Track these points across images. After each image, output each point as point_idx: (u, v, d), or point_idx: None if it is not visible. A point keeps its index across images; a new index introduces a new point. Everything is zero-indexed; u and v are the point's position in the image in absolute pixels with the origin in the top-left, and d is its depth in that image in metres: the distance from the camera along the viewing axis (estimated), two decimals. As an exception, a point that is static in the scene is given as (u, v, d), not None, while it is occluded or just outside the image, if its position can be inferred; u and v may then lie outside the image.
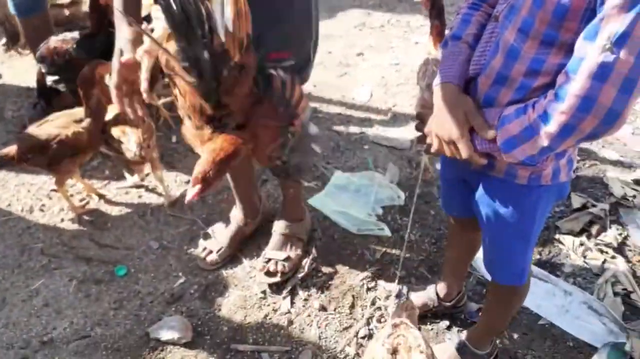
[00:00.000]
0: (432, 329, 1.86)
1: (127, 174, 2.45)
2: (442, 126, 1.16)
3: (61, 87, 2.52)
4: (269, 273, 1.99)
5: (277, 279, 1.98)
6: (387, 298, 1.93)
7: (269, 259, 2.01)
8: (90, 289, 2.00)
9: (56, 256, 2.12)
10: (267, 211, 2.26)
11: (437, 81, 1.21)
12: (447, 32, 1.31)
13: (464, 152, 1.15)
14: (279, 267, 1.99)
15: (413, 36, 3.53)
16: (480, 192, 1.32)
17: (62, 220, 2.26)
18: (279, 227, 2.09)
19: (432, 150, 1.24)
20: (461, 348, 1.69)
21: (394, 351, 1.32)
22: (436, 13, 2.34)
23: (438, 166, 2.50)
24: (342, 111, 2.89)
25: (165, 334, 1.80)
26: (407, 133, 2.68)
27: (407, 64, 3.23)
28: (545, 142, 1.02)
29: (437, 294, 1.84)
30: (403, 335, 1.36)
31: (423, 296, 1.87)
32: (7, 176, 2.44)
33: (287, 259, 2.01)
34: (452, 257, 1.79)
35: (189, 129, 1.21)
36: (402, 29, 3.61)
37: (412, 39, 3.49)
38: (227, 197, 2.35)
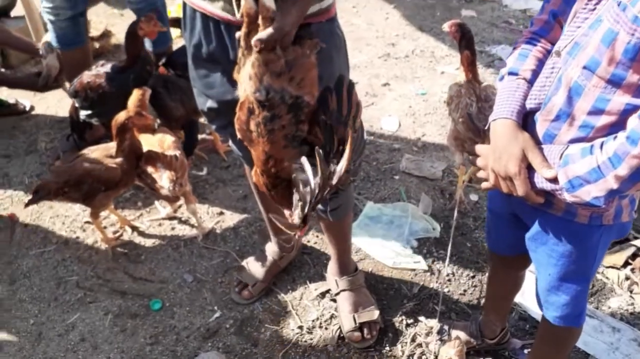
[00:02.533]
0: (475, 367, 1.82)
1: (159, 207, 2.46)
2: (499, 161, 1.15)
3: (94, 121, 2.56)
4: (364, 339, 1.88)
5: (372, 341, 1.88)
6: (427, 334, 1.88)
7: (362, 325, 1.89)
8: (125, 323, 1.99)
9: (91, 289, 2.11)
10: (300, 245, 2.24)
11: (493, 116, 1.20)
12: (504, 68, 1.29)
13: (521, 189, 1.13)
14: (374, 331, 1.89)
15: (439, 66, 3.54)
16: (535, 230, 1.30)
17: (97, 252, 2.26)
18: (347, 283, 1.96)
19: (488, 185, 1.22)
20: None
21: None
22: (466, 43, 2.33)
23: (472, 197, 2.48)
24: (371, 141, 2.89)
25: (203, 372, 1.78)
26: (438, 163, 2.67)
27: (434, 94, 3.23)
28: (614, 185, 1.00)
29: (479, 331, 1.80)
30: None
31: (465, 333, 1.82)
32: (42, 208, 2.46)
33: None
34: (495, 294, 1.75)
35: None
36: (427, 58, 3.63)
37: (437, 69, 3.50)
38: (259, 228, 2.34)
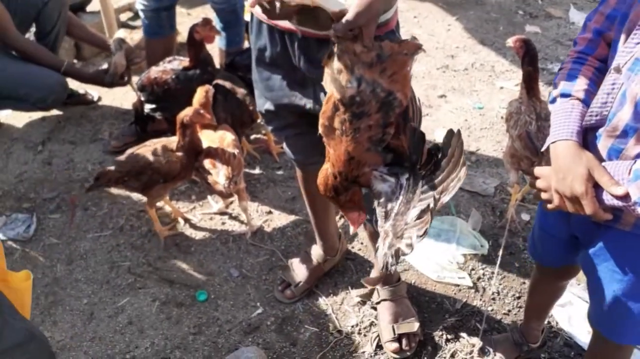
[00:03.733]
0: (514, 389, 1.78)
1: (212, 201, 2.54)
2: (563, 182, 1.13)
3: (157, 115, 2.66)
4: (402, 350, 1.88)
5: (410, 353, 1.88)
6: (469, 352, 1.86)
7: (401, 336, 1.88)
8: (171, 311, 2.06)
9: (142, 275, 2.20)
10: (344, 250, 2.26)
11: (552, 139, 1.19)
12: (553, 90, 1.29)
13: (589, 209, 1.11)
14: (413, 343, 1.89)
15: (498, 81, 3.48)
16: (599, 247, 1.27)
17: (149, 241, 2.35)
18: (388, 293, 1.96)
19: (552, 206, 1.21)
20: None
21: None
22: (529, 60, 2.29)
23: (523, 217, 2.43)
24: (424, 153, 2.88)
25: (242, 365, 1.82)
26: (490, 179, 2.62)
27: (492, 109, 3.18)
28: None
29: (522, 335, 1.79)
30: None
31: (507, 343, 1.81)
32: (101, 195, 2.57)
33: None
34: (537, 303, 1.74)
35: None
36: (486, 72, 3.57)
37: (497, 84, 3.45)
38: (306, 230, 2.38)
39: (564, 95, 1.22)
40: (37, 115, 3.06)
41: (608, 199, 1.10)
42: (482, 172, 2.69)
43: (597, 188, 1.11)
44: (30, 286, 1.36)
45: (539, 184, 1.23)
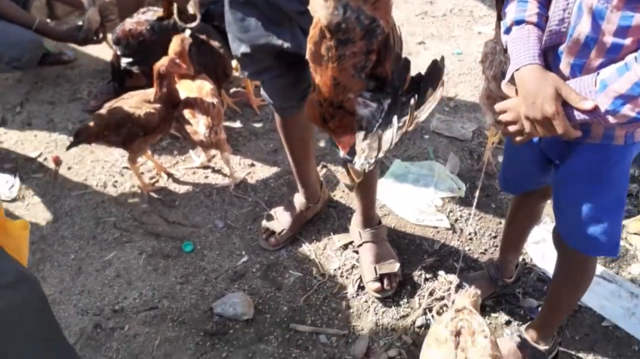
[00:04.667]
0: (490, 323, 1.86)
1: (194, 156, 2.55)
2: (533, 107, 1.15)
3: (135, 69, 2.64)
4: (383, 290, 1.94)
5: (391, 292, 1.94)
6: (447, 289, 1.93)
7: (382, 276, 1.94)
8: (158, 263, 2.11)
9: (127, 230, 2.24)
10: (326, 198, 2.30)
11: (514, 67, 1.20)
12: (503, 17, 1.30)
13: (561, 128, 1.14)
14: (393, 283, 1.94)
15: (476, 26, 3.46)
16: (570, 164, 1.32)
17: (134, 196, 2.38)
18: (370, 235, 2.01)
19: (522, 137, 1.23)
20: (521, 343, 1.69)
21: (457, 334, 1.34)
22: (502, 2, 2.28)
23: (500, 159, 2.48)
24: (404, 101, 2.89)
25: (228, 310, 1.88)
26: (468, 124, 2.65)
27: (470, 54, 3.18)
28: None
29: (497, 270, 1.87)
30: (467, 320, 1.38)
31: (483, 280, 1.88)
32: (83, 153, 2.58)
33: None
34: (515, 230, 1.81)
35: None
36: (465, 18, 3.55)
37: (475, 29, 3.43)
38: (288, 181, 2.41)
39: (518, 22, 1.23)
40: (13, 77, 3.02)
41: (578, 115, 1.13)
42: (460, 118, 2.72)
43: (565, 107, 1.14)
44: (27, 235, 1.39)
45: (507, 117, 1.25)
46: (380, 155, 1.21)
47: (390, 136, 1.19)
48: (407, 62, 1.26)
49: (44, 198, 2.38)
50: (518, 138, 1.26)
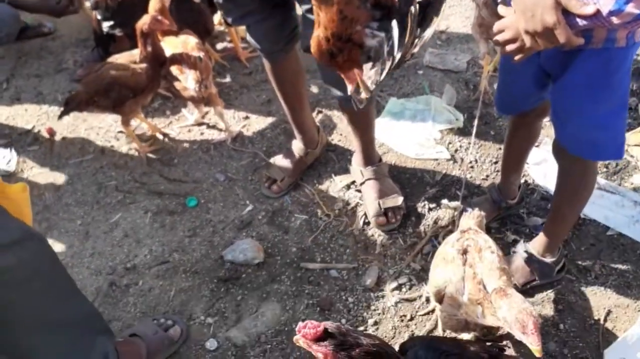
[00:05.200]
0: (497, 243, 1.88)
1: (187, 114, 2.53)
2: (533, 19, 1.13)
3: (117, 32, 2.59)
4: (388, 223, 1.96)
5: (396, 224, 1.96)
6: (451, 217, 1.95)
7: (386, 210, 1.95)
8: (164, 220, 2.12)
9: (130, 191, 2.24)
10: (324, 142, 2.29)
11: None
12: None
13: (563, 37, 1.12)
14: (398, 216, 1.96)
15: (463, -42, 3.38)
16: (572, 73, 1.31)
17: (132, 158, 2.37)
18: (372, 173, 2.02)
19: (523, 53, 1.21)
20: (528, 258, 1.71)
21: (464, 252, 1.36)
22: None
23: (496, 87, 2.46)
24: (393, 39, 2.85)
25: (239, 257, 1.91)
26: (462, 55, 2.62)
27: (458, -13, 3.12)
28: None
29: (500, 193, 1.87)
30: (472, 239, 1.39)
31: (487, 203, 1.90)
32: (76, 122, 2.56)
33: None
34: (514, 151, 1.82)
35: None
36: (450, -49, 3.46)
37: (461, -39, 3.35)
38: (284, 130, 2.40)
39: None
40: (-3, 52, 2.97)
41: (580, 22, 1.11)
42: (453, 50, 2.68)
43: (566, 15, 1.11)
44: (28, 197, 1.40)
45: (505, 36, 1.23)
46: (384, 74, 1.22)
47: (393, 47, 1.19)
48: None
49: (43, 169, 2.38)
50: (518, 56, 1.24)
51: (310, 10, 1.52)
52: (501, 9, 1.23)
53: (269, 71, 1.99)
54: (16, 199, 1.36)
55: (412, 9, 1.16)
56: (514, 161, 1.83)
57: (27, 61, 2.95)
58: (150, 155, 2.37)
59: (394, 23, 1.21)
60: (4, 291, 1.17)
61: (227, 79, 2.70)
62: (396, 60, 1.20)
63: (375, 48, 1.23)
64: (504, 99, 1.61)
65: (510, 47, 1.24)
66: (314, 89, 2.58)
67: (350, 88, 1.36)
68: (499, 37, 1.25)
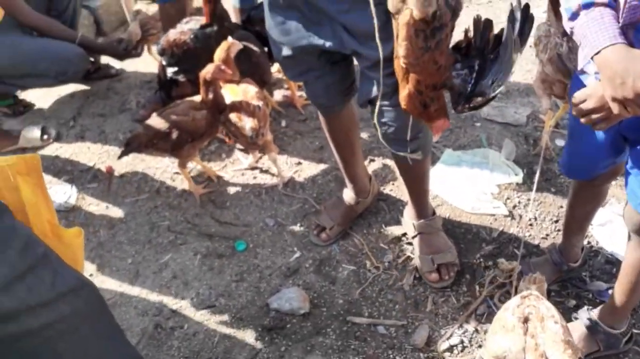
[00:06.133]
0: (557, 309, 1.77)
1: (242, 158, 2.57)
2: (624, 87, 1.08)
3: (180, 77, 2.68)
4: (441, 280, 1.90)
5: (449, 282, 1.90)
6: (508, 277, 1.85)
7: (439, 266, 1.90)
8: (213, 262, 2.12)
9: (181, 232, 2.26)
10: (376, 191, 2.26)
11: (591, 51, 1.13)
12: (562, 2, 1.25)
13: None
14: (451, 273, 1.90)
15: (523, 11, 3.36)
16: None
17: (186, 200, 2.41)
18: (424, 227, 1.96)
19: (609, 122, 1.17)
20: (592, 327, 1.59)
21: (525, 320, 1.27)
22: (557, -14, 2.19)
23: (557, 143, 2.38)
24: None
25: (284, 306, 1.87)
26: (522, 109, 2.56)
27: (518, 40, 3.08)
28: None
29: (561, 255, 1.77)
30: (534, 306, 1.31)
31: (547, 265, 1.80)
32: (135, 161, 2.64)
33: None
34: (578, 213, 1.72)
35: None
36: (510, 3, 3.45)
37: (521, 14, 3.33)
38: (335, 177, 2.39)
39: (586, 5, 1.17)
40: (65, 92, 3.14)
41: None
42: (513, 103, 2.62)
43: None
44: (82, 243, 1.42)
45: (589, 104, 1.18)
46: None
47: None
48: (488, 22, 1.33)
49: (100, 206, 2.45)
50: (601, 125, 1.20)
51: (370, 67, 1.51)
52: (579, 93, 1.19)
53: (323, 122, 2.00)
54: (71, 244, 1.38)
55: (510, 32, 1.28)
56: (577, 222, 1.74)
57: (94, 101, 3.10)
58: (204, 197, 2.40)
59: (476, 63, 1.32)
60: (57, 342, 1.17)
61: (283, 125, 2.74)
62: (493, 90, 1.30)
63: (460, 85, 1.34)
64: (572, 163, 1.54)
65: (594, 116, 1.19)
66: (367, 136, 2.57)
67: (435, 137, 1.49)
68: (583, 106, 1.20)
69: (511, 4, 1.41)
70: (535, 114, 2.54)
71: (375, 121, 1.63)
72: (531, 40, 2.87)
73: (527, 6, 1.38)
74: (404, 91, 1.35)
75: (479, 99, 1.36)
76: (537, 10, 3.26)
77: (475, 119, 2.56)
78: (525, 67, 2.84)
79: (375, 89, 1.55)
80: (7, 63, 2.68)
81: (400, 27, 1.25)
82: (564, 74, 2.03)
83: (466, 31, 1.38)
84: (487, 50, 1.35)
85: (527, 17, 1.38)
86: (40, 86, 2.94)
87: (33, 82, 2.84)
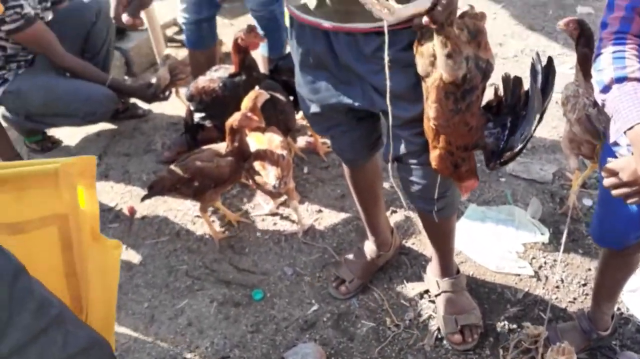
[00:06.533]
0: (586, 380, 1.69)
1: (263, 203, 2.56)
2: None
3: (207, 123, 2.72)
4: (464, 342, 1.84)
5: (472, 344, 1.84)
6: (534, 342, 1.78)
7: (463, 328, 1.85)
8: (229, 311, 2.08)
9: (199, 277, 2.24)
10: (398, 245, 2.22)
11: (624, 126, 1.12)
12: (594, 73, 1.25)
13: None
14: (475, 334, 1.85)
15: (549, 66, 3.36)
16: None
17: (205, 244, 2.40)
18: (448, 285, 1.91)
19: None
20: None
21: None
22: (585, 41, 2.19)
23: (585, 202, 2.33)
24: (474, 143, 2.80)
25: (301, 361, 1.82)
26: (548, 166, 2.52)
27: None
28: None
29: (590, 322, 1.69)
30: (565, 382, 1.25)
31: (575, 332, 1.72)
32: (157, 202, 2.64)
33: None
34: (608, 281, 1.66)
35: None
36: (536, 58, 3.46)
37: (548, 69, 3.33)
38: (356, 227, 2.36)
39: (619, 80, 1.17)
40: (92, 130, 3.19)
41: None
42: (538, 159, 2.59)
43: None
44: (119, 255, 1.42)
45: (622, 178, 1.15)
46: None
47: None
48: (517, 79, 1.34)
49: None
50: (634, 199, 1.16)
51: (399, 126, 1.50)
52: (611, 165, 1.16)
53: (347, 173, 1.99)
54: (108, 254, 1.39)
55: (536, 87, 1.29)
56: (607, 290, 1.67)
57: (120, 140, 3.15)
58: (223, 242, 2.39)
59: (508, 120, 1.32)
60: None
61: (305, 171, 2.73)
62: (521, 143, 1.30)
63: (493, 143, 1.34)
64: (602, 231, 1.50)
65: (626, 190, 1.16)
66: (388, 187, 2.55)
67: (464, 196, 1.49)
68: (615, 180, 1.16)
69: (532, 58, 1.42)
70: (562, 172, 2.50)
71: (399, 179, 1.62)
72: (557, 96, 2.87)
73: (550, 60, 1.38)
74: (435, 151, 1.34)
75: (508, 153, 1.35)
76: (562, 67, 3.27)
77: (500, 175, 2.53)
78: (552, 123, 2.81)
79: (403, 147, 1.54)
80: (40, 102, 2.75)
81: (430, 89, 1.26)
82: (592, 135, 2.01)
83: (496, 90, 1.37)
84: (519, 107, 1.35)
85: (550, 71, 1.37)
86: (69, 125, 2.99)
87: (62, 121, 2.90)
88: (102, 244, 1.34)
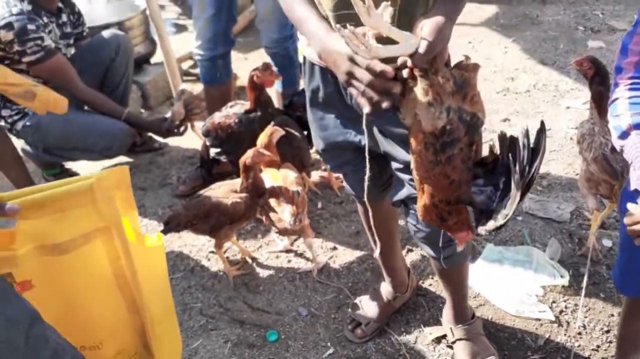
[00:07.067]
0: None
1: (277, 239, 2.55)
2: None
3: (223, 158, 2.73)
4: None
5: None
6: (556, 392, 1.74)
7: None
8: (243, 353, 2.05)
9: (213, 317, 2.22)
10: (415, 286, 2.19)
11: None
12: (611, 119, 1.23)
13: None
14: None
15: (563, 100, 3.35)
16: None
17: (219, 281, 2.38)
18: (464, 332, 1.89)
19: None
20: None
21: None
22: (600, 79, 2.18)
23: (605, 243, 2.29)
24: (490, 180, 2.78)
25: (316, 409, 1.78)
26: (565, 204, 2.50)
27: (559, 130, 3.06)
28: None
29: None
30: None
31: None
32: (172, 237, 2.64)
33: None
34: (632, 331, 1.61)
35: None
36: (550, 93, 3.45)
37: (562, 104, 3.32)
38: (372, 266, 2.33)
39: (637, 126, 1.17)
40: (109, 163, 3.21)
41: None
42: (555, 198, 2.56)
43: None
44: (163, 246, 1.46)
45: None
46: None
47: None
48: (513, 139, 1.24)
49: (134, 283, 2.43)
50: None
51: (401, 169, 1.52)
52: (633, 213, 1.15)
53: (361, 213, 1.98)
54: (152, 248, 1.41)
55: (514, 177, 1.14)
56: (631, 342, 1.63)
57: (136, 173, 3.16)
58: (237, 279, 2.37)
59: (502, 181, 1.20)
60: None
61: (319, 206, 2.73)
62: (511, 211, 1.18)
63: (484, 202, 1.23)
64: (624, 278, 1.46)
65: None
66: (404, 224, 2.53)
67: (459, 247, 1.36)
68: (637, 228, 1.14)
69: (520, 133, 1.20)
70: (579, 211, 2.47)
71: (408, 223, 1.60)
72: (573, 132, 2.85)
73: (540, 131, 1.16)
74: (420, 202, 1.29)
75: (491, 222, 1.20)
76: (575, 102, 3.27)
77: (517, 213, 2.50)
78: (567, 160, 2.79)
79: (406, 191, 1.54)
80: (58, 136, 2.79)
81: (411, 138, 1.21)
82: (610, 175, 1.99)
83: (491, 147, 1.26)
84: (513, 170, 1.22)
85: (537, 149, 1.15)
86: (87, 159, 3.02)
87: (80, 155, 2.93)
88: (147, 244, 1.39)
